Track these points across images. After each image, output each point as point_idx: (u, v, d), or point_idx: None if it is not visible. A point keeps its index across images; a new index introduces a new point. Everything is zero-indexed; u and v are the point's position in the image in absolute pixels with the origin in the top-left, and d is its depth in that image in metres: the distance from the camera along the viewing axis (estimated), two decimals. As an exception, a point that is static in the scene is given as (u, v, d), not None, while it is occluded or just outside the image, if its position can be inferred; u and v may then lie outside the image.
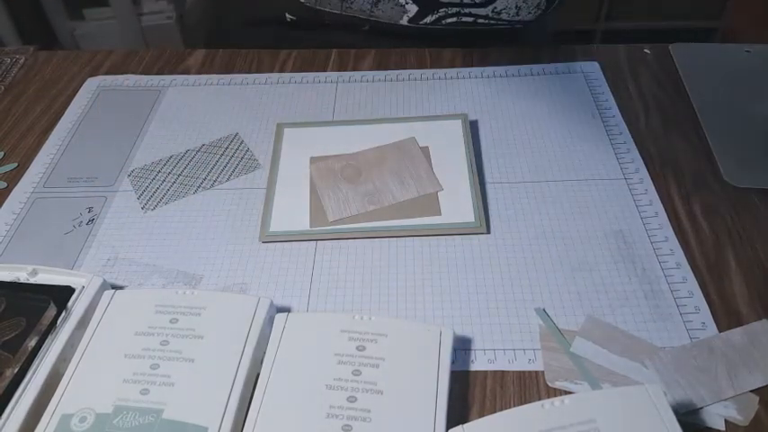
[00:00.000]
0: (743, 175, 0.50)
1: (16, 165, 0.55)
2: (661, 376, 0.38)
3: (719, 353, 0.39)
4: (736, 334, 0.40)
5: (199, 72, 0.65)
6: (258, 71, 0.64)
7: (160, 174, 0.53)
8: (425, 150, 0.53)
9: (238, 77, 0.63)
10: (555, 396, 0.35)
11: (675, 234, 0.46)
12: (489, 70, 0.62)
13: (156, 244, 0.47)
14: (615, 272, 0.44)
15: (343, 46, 0.66)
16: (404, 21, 0.62)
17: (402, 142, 0.54)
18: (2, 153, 0.57)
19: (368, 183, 0.50)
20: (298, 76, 0.63)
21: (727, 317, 0.41)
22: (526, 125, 0.56)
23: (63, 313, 0.40)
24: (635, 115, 0.57)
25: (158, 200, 0.51)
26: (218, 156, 0.55)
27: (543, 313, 0.42)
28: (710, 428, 0.36)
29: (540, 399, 0.36)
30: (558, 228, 0.47)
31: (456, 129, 0.55)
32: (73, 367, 0.37)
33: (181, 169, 0.54)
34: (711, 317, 0.41)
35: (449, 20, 0.59)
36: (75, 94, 0.62)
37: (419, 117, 0.57)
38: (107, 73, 0.65)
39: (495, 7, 0.58)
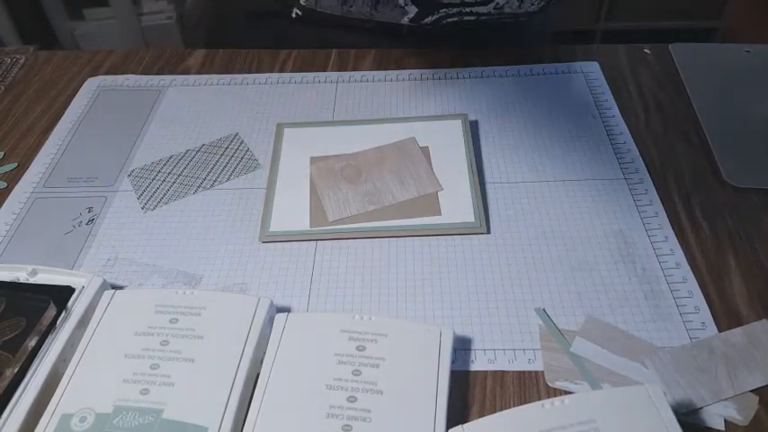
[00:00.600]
0: (743, 175, 0.50)
1: (16, 165, 0.55)
2: (661, 376, 0.38)
3: (719, 353, 0.39)
4: (736, 334, 0.40)
5: (199, 72, 0.65)
6: (258, 71, 0.64)
7: (160, 174, 0.53)
8: (425, 150, 0.53)
9: (238, 77, 0.63)
10: (555, 396, 0.35)
11: (675, 234, 0.46)
12: (489, 70, 0.62)
13: (156, 244, 0.47)
14: (615, 272, 0.44)
15: (345, 44, 0.66)
16: (404, 21, 0.62)
17: (402, 142, 0.54)
18: (2, 153, 0.57)
19: (368, 183, 0.50)
20: (298, 76, 0.63)
21: (727, 317, 0.41)
22: (526, 125, 0.56)
23: (63, 313, 0.40)
24: (635, 115, 0.57)
25: (158, 200, 0.51)
26: (218, 156, 0.55)
27: (543, 313, 0.42)
28: (710, 428, 0.36)
29: (540, 399, 0.36)
30: (558, 228, 0.47)
31: (456, 129, 0.55)
32: (73, 367, 0.37)
33: (181, 169, 0.54)
34: (711, 317, 0.41)
35: (450, 20, 0.59)
36: (75, 94, 0.62)
37: (419, 117, 0.57)
38: (107, 73, 0.65)
39: (498, 3, 0.57)
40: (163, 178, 0.53)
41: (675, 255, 0.45)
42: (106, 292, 0.41)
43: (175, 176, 0.53)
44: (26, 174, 0.54)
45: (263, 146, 0.56)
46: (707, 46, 0.64)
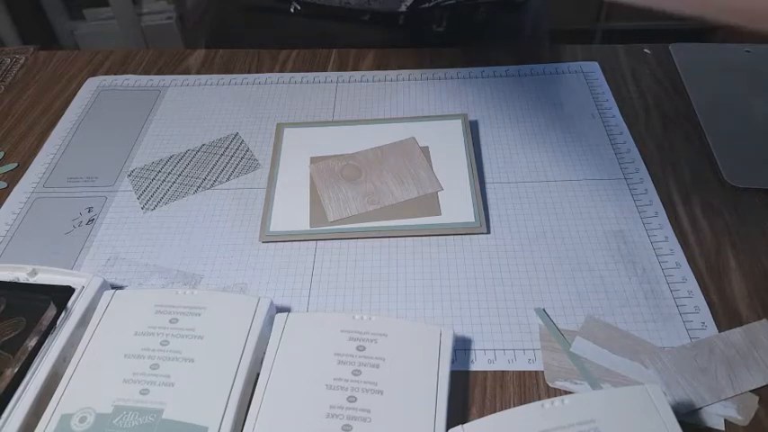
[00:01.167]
0: (743, 175, 0.50)
1: (16, 165, 0.55)
2: (661, 376, 0.38)
3: (719, 353, 0.39)
4: (736, 334, 0.40)
5: (199, 72, 0.65)
6: (258, 71, 0.64)
7: (160, 174, 0.53)
8: (425, 150, 0.53)
9: (238, 77, 0.63)
10: (555, 396, 0.35)
11: (675, 234, 0.46)
12: (489, 70, 0.62)
13: (156, 244, 0.47)
14: (615, 272, 0.44)
15: (343, 35, 0.66)
16: (402, 8, 0.62)
17: (402, 142, 0.54)
18: (2, 153, 0.57)
19: (368, 183, 0.50)
20: (298, 76, 0.63)
21: (727, 317, 0.41)
22: (526, 125, 0.56)
23: (63, 313, 0.40)
24: (635, 115, 0.57)
25: (158, 200, 0.51)
26: (218, 156, 0.55)
27: (543, 313, 0.42)
28: (710, 428, 0.36)
29: (540, 399, 0.36)
30: (558, 228, 0.47)
31: (456, 129, 0.55)
32: (73, 367, 0.37)
33: (181, 169, 0.54)
34: (711, 317, 0.41)
35: (447, 2, 0.59)
36: (75, 94, 0.62)
37: (419, 117, 0.57)
38: (107, 73, 0.65)
39: None
40: (163, 178, 0.53)
41: (675, 255, 0.45)
42: (106, 292, 0.41)
43: (175, 176, 0.53)
44: (26, 174, 0.54)
45: (263, 146, 0.56)
46: (707, 46, 0.64)
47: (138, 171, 0.54)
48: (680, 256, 0.45)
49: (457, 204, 0.48)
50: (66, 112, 0.60)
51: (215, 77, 0.63)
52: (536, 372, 0.39)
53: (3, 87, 0.64)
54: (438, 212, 0.48)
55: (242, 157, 0.55)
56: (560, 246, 0.46)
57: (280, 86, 0.62)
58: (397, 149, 0.53)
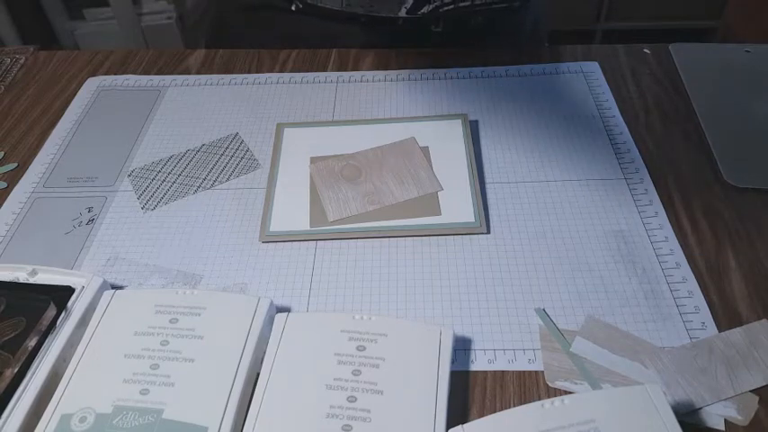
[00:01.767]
0: (743, 175, 0.50)
1: (16, 165, 0.55)
2: (661, 376, 0.38)
3: (719, 353, 0.39)
4: (736, 334, 0.40)
5: (199, 72, 0.65)
6: (258, 71, 0.64)
7: (160, 174, 0.53)
8: (425, 150, 0.53)
9: (238, 77, 0.63)
10: (555, 396, 0.35)
11: (675, 234, 0.46)
12: (489, 70, 0.62)
13: (156, 244, 0.47)
14: (615, 272, 0.44)
15: (345, 36, 0.66)
16: (402, 13, 0.62)
17: (402, 142, 0.54)
18: (2, 153, 0.57)
19: (368, 183, 0.50)
20: (298, 76, 0.63)
21: (727, 317, 0.41)
22: (526, 125, 0.56)
23: (63, 313, 0.40)
24: (635, 115, 0.57)
25: (158, 200, 0.51)
26: (218, 156, 0.55)
27: (543, 313, 0.42)
28: (710, 428, 0.36)
29: (540, 399, 0.36)
30: (558, 228, 0.47)
31: (456, 129, 0.55)
32: (73, 367, 0.37)
33: (181, 169, 0.54)
34: (711, 317, 0.41)
35: (446, 8, 0.60)
36: (75, 94, 0.62)
37: (419, 117, 0.57)
38: (107, 73, 0.65)
39: None
40: (163, 178, 0.53)
41: (675, 255, 0.45)
42: (106, 292, 0.41)
43: (175, 176, 0.53)
44: (26, 174, 0.54)
45: (263, 146, 0.56)
46: (707, 46, 0.64)
47: (138, 171, 0.54)
48: (680, 256, 0.45)
49: (457, 204, 0.48)
50: (66, 112, 0.60)
51: (215, 77, 0.63)
52: (536, 372, 0.39)
53: (3, 87, 0.64)
54: (438, 212, 0.48)
55: (242, 157, 0.55)
56: (560, 246, 0.46)
57: (280, 86, 0.62)
58: (397, 149, 0.53)
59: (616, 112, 0.57)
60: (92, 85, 0.64)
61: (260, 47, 0.67)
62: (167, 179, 0.53)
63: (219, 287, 0.44)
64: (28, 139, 0.58)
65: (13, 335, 0.38)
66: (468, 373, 0.39)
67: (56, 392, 0.36)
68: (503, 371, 0.39)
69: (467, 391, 0.38)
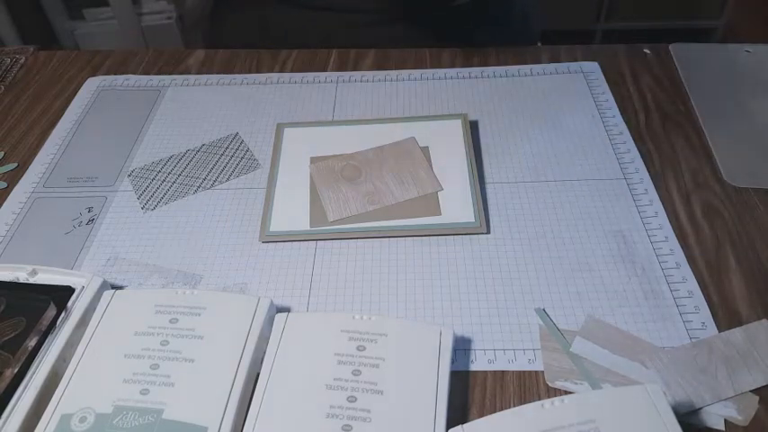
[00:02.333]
0: (743, 175, 0.50)
1: (16, 165, 0.55)
2: (661, 376, 0.38)
3: (719, 353, 0.39)
4: (736, 334, 0.40)
5: (199, 72, 0.65)
6: (258, 71, 0.64)
7: (160, 174, 0.53)
8: (425, 150, 0.53)
9: (238, 77, 0.63)
10: (555, 396, 0.35)
11: (675, 234, 0.46)
12: (489, 70, 0.62)
13: (156, 244, 0.47)
14: (615, 272, 0.44)
15: (345, 36, 0.65)
16: None
17: (402, 142, 0.54)
18: (2, 153, 0.57)
19: (368, 183, 0.50)
20: (298, 76, 0.63)
21: (727, 317, 0.41)
22: (526, 125, 0.56)
23: (63, 313, 0.40)
24: (635, 115, 0.57)
25: (158, 200, 0.51)
26: (218, 156, 0.55)
27: (543, 313, 0.42)
28: (710, 428, 0.36)
29: (540, 399, 0.36)
30: (558, 228, 0.47)
31: (456, 129, 0.55)
32: (73, 367, 0.37)
33: (181, 169, 0.54)
34: (711, 317, 0.41)
35: None
36: (75, 94, 0.62)
37: (419, 117, 0.57)
38: (107, 73, 0.65)
39: None
40: (163, 178, 0.53)
41: (675, 255, 0.45)
42: (106, 292, 0.41)
43: (175, 176, 0.53)
44: (26, 174, 0.54)
45: (263, 146, 0.56)
46: (707, 46, 0.64)
47: (138, 171, 0.54)
48: (680, 256, 0.45)
49: (457, 204, 0.48)
50: (66, 112, 0.60)
51: (215, 77, 0.63)
52: (536, 372, 0.39)
53: (3, 87, 0.64)
54: (438, 212, 0.48)
55: (242, 157, 0.55)
56: (560, 246, 0.46)
57: (280, 86, 0.62)
58: (397, 149, 0.53)
59: (616, 112, 0.57)
60: (92, 85, 0.64)
61: (259, 47, 0.67)
62: (167, 179, 0.53)
63: (219, 287, 0.44)
64: (28, 139, 0.58)
65: (13, 335, 0.38)
66: (468, 373, 0.39)
67: (56, 392, 0.36)
68: (503, 371, 0.39)
69: (467, 391, 0.38)
